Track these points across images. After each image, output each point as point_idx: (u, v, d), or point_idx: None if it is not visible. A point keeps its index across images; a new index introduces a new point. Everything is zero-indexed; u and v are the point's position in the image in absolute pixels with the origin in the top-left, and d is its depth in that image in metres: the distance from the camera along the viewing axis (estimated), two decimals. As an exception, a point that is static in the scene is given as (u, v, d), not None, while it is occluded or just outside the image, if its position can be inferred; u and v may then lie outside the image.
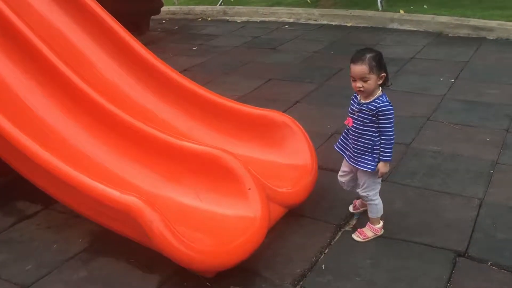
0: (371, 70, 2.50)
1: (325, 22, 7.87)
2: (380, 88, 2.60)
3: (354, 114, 2.66)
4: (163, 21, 8.69)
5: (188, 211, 2.82)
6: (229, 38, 7.41)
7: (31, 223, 3.23)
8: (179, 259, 2.40)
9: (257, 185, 2.80)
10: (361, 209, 3.06)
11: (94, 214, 2.76)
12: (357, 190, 2.86)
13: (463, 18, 6.94)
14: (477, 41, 6.44)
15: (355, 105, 2.65)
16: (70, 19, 3.89)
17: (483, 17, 6.90)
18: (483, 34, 6.62)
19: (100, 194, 2.50)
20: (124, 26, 3.96)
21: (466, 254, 2.72)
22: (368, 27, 7.47)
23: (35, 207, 3.39)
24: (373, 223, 2.87)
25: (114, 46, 3.86)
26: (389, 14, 7.46)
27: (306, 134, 3.36)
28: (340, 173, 2.95)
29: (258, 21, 8.24)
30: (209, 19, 8.66)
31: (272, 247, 2.83)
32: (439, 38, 6.74)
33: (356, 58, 2.54)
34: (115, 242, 2.91)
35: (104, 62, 3.75)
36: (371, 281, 2.57)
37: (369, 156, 2.64)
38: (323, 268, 2.68)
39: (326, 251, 2.82)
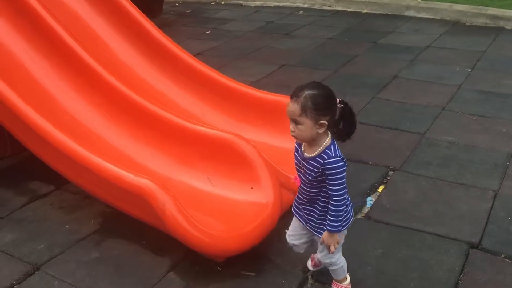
0: (303, 112, 1.90)
1: (339, 8, 7.77)
2: (329, 135, 2.00)
3: (300, 171, 2.10)
4: (176, 4, 8.64)
5: (200, 195, 2.82)
6: (243, 22, 7.35)
7: (44, 203, 3.25)
8: (191, 243, 2.40)
9: (270, 171, 2.79)
10: (322, 266, 2.50)
11: (106, 196, 2.77)
12: (317, 256, 2.41)
13: (481, 7, 6.82)
14: (494, 31, 6.32)
15: (299, 158, 2.09)
16: (86, 1, 3.87)
17: (502, 6, 6.77)
18: (501, 23, 6.50)
19: (114, 176, 2.50)
20: (137, 8, 3.93)
21: (480, 246, 2.69)
22: (384, 14, 7.36)
23: (48, 187, 3.41)
24: (340, 282, 2.39)
25: (128, 28, 3.84)
26: (405, 1, 7.35)
27: (320, 121, 3.32)
28: (289, 232, 2.37)
29: (272, 6, 8.16)
30: (223, 3, 8.59)
31: (283, 233, 2.81)
32: (456, 26, 6.63)
33: (294, 93, 1.95)
34: (126, 224, 2.92)
35: (118, 44, 3.74)
36: (382, 270, 2.55)
37: (319, 215, 2.14)
38: (334, 256, 2.67)
39: (337, 239, 2.80)
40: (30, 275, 2.61)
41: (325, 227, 2.08)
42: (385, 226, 2.89)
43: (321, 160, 1.97)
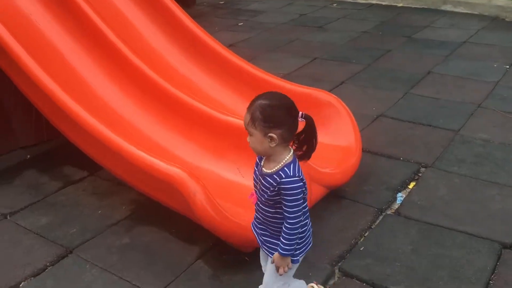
0: (252, 122, 1.74)
1: (374, 2, 7.66)
2: (290, 152, 1.81)
3: (257, 187, 1.90)
4: (210, -5, 8.67)
5: (229, 185, 2.84)
6: (275, 14, 7.33)
7: (77, 188, 3.33)
8: (220, 232, 2.43)
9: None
10: None
11: (138, 183, 2.81)
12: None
13: (522, 2, 6.61)
14: (535, 27, 6.13)
15: (257, 173, 1.90)
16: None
17: (544, 2, 6.54)
18: (542, 19, 6.29)
19: (146, 164, 2.54)
20: (170, 0, 3.96)
21: (513, 247, 2.64)
22: (420, 8, 7.22)
23: (82, 173, 3.49)
24: None
25: (162, 17, 3.87)
26: (442, -5, 7.19)
27: (351, 114, 3.30)
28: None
29: (306, -2, 8.11)
30: (256, -5, 8.58)
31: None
32: (494, 22, 6.44)
33: (251, 101, 1.80)
34: (157, 211, 2.97)
35: (151, 32, 3.77)
36: (411, 267, 2.52)
37: (272, 239, 1.96)
38: (362, 251, 2.66)
39: (366, 234, 2.79)
40: (63, 257, 2.69)
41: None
42: (415, 223, 2.85)
43: (277, 178, 1.77)
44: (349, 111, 3.32)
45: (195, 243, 2.75)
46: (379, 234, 2.79)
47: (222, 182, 2.86)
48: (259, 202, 1.91)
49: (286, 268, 1.91)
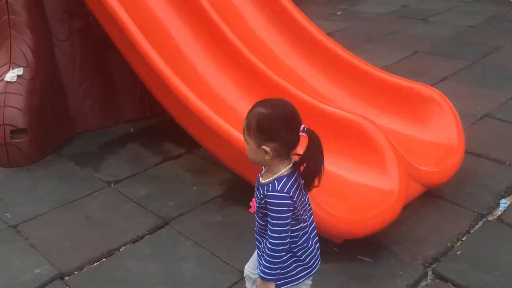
0: (248, 132, 1.61)
1: (484, -5, 7.20)
2: (288, 166, 1.63)
3: (255, 195, 1.75)
4: (309, -17, 8.60)
5: (325, 175, 2.81)
6: (376, 4, 7.12)
7: (175, 164, 3.49)
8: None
9: (398, 158, 2.71)
10: None
11: (234, 164, 2.88)
12: None
13: None
14: None
15: (257, 181, 1.75)
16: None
17: None
18: None
19: (243, 147, 2.58)
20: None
21: None
22: (536, 3, 6.68)
23: (179, 150, 3.65)
24: None
25: (265, 2, 3.88)
26: None
27: (455, 112, 3.14)
28: (249, 261, 2.05)
29: (409, -11, 7.79)
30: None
31: (405, 224, 2.73)
32: None
33: (251, 107, 1.65)
34: (249, 193, 3.01)
35: (255, 18, 3.80)
36: (511, 276, 2.37)
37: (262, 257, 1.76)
38: (459, 255, 2.53)
39: (463, 239, 2.65)
40: (160, 228, 2.83)
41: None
42: (519, 232, 2.67)
43: (264, 191, 1.62)
44: (453, 108, 3.16)
45: (285, 228, 2.77)
46: (478, 239, 2.64)
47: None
48: (256, 212, 1.74)
49: None
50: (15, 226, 2.86)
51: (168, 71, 2.92)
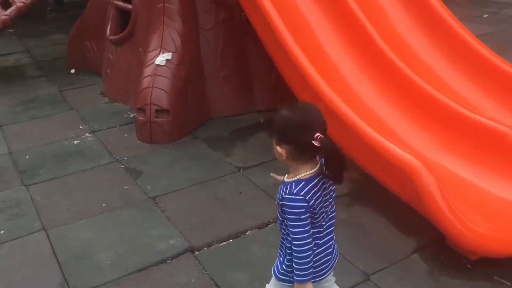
0: (274, 135, 1.69)
1: None
2: (310, 171, 1.65)
3: None
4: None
5: (463, 185, 2.66)
6: (530, 8, 6.52)
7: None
8: (450, 233, 2.30)
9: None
10: None
11: (368, 163, 2.82)
12: None
13: None
14: None
15: None
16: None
17: None
18: None
19: (381, 147, 2.53)
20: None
21: None
22: None
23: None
24: None
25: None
26: None
27: None
28: None
29: None
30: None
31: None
32: None
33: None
34: (376, 195, 2.97)
35: (399, 16, 3.66)
36: None
37: (280, 256, 1.82)
38: None
39: None
40: (285, 218, 2.88)
41: (277, 263, 1.80)
42: None
43: (282, 192, 1.67)
44: None
45: (412, 235, 2.67)
46: None
47: (456, 180, 2.69)
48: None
49: None
50: (154, 198, 3.10)
51: (310, 68, 2.94)
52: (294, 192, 1.63)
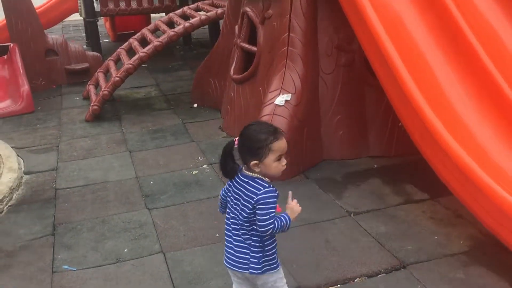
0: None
1: None
2: None
3: None
4: None
5: None
6: None
7: (417, 208, 3.40)
8: None
9: None
10: None
11: (488, 219, 2.65)
12: None
13: None
14: None
15: None
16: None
17: None
18: None
19: (502, 202, 2.39)
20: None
21: None
22: None
23: (422, 194, 3.55)
24: None
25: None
26: None
27: None
28: None
29: None
30: None
31: None
32: None
33: (277, 130, 2.04)
34: (498, 256, 2.78)
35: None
36: None
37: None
38: None
39: None
40: (397, 269, 2.79)
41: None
42: None
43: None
44: None
45: (540, 306, 2.45)
46: None
47: None
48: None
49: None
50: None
51: (432, 116, 2.88)
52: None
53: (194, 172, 4.13)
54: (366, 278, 2.74)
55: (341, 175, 3.95)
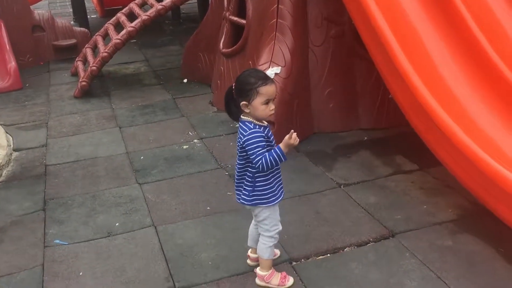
0: None
1: None
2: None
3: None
4: None
5: None
6: None
7: (406, 178, 3.43)
8: None
9: None
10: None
11: (478, 189, 2.68)
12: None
13: None
14: None
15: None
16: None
17: None
18: None
19: (497, 175, 2.40)
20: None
21: None
22: None
23: (412, 165, 3.58)
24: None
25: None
26: None
27: None
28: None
29: None
30: None
31: None
32: None
33: (267, 77, 2.23)
34: (485, 224, 2.82)
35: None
36: None
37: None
38: None
39: None
40: (385, 238, 2.83)
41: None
42: None
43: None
44: None
45: (525, 271, 2.49)
46: None
47: None
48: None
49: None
50: (255, 206, 3.19)
51: (423, 89, 2.86)
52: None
53: (184, 146, 4.12)
54: (356, 247, 2.78)
55: (331, 147, 3.96)
